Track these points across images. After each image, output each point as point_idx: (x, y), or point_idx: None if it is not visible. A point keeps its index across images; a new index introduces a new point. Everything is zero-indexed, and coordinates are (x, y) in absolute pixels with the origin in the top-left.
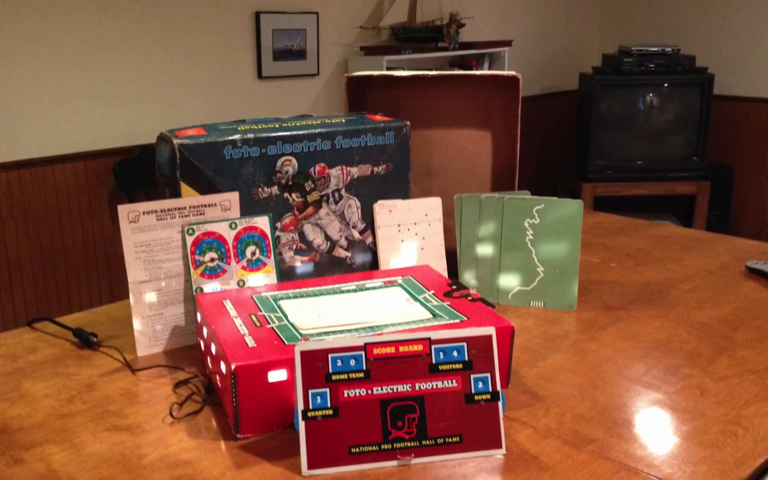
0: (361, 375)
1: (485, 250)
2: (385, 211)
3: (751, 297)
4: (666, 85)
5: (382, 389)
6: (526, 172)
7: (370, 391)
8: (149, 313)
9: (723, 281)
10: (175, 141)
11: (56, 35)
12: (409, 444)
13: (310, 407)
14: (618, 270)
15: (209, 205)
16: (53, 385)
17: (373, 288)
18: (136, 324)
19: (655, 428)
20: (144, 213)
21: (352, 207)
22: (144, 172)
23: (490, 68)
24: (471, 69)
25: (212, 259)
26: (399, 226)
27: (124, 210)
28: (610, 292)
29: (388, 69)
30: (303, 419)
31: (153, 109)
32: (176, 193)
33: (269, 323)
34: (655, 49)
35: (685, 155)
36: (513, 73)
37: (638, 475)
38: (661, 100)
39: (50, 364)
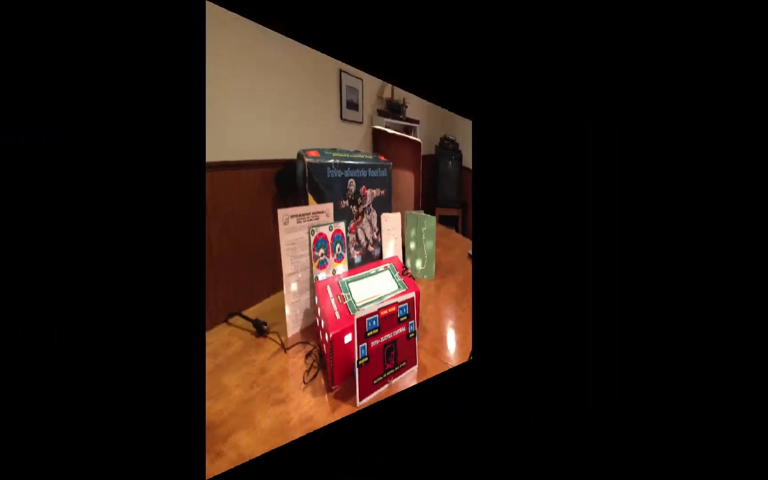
0: (377, 330)
1: (412, 245)
2: (385, 220)
3: (469, 270)
4: (453, 157)
5: (384, 338)
6: (424, 204)
7: (380, 340)
8: (293, 300)
9: (465, 261)
10: (306, 159)
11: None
12: (391, 371)
13: (360, 358)
14: (442, 255)
15: (321, 212)
16: (241, 374)
17: (379, 272)
18: (287, 310)
19: (449, 336)
20: (291, 216)
21: (374, 217)
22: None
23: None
24: (411, 130)
25: (322, 254)
26: (389, 230)
27: (282, 214)
28: (441, 268)
29: (386, 125)
30: (357, 367)
31: (289, 131)
32: (306, 202)
33: (344, 300)
34: (451, 137)
35: (456, 196)
36: (417, 139)
37: (446, 366)
38: (450, 165)
39: (239, 356)
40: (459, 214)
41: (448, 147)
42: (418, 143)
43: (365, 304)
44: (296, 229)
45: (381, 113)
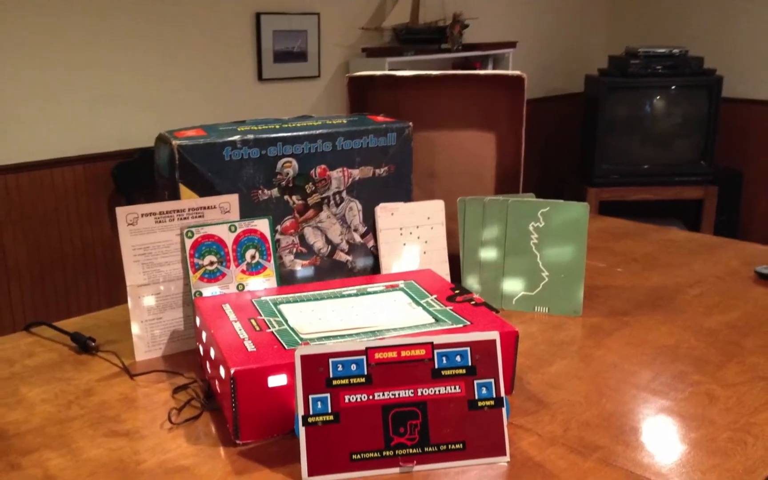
0: (363, 380)
1: (489, 254)
2: (387, 214)
3: (761, 302)
4: (673, 87)
5: (383, 394)
6: (530, 177)
7: (371, 397)
8: (148, 317)
9: (732, 286)
10: (175, 142)
11: (53, 36)
12: (411, 451)
13: (311, 412)
14: (624, 275)
15: (209, 208)
16: (50, 390)
17: (375, 292)
18: (135, 328)
19: (662, 436)
20: (142, 215)
21: (354, 210)
22: (144, 175)
23: (493, 70)
24: (474, 70)
25: (211, 263)
26: (401, 229)
27: (122, 212)
28: (615, 297)
29: (390, 70)
30: (303, 425)
31: (152, 112)
32: (175, 196)
33: (269, 327)
34: (663, 50)
35: (693, 159)
36: (518, 72)
37: None
38: (669, 102)
39: (48, 369)
40: (704, 195)
41: (646, 71)
42: (517, 79)
43: (328, 338)
44: (152, 230)
45: (375, 53)
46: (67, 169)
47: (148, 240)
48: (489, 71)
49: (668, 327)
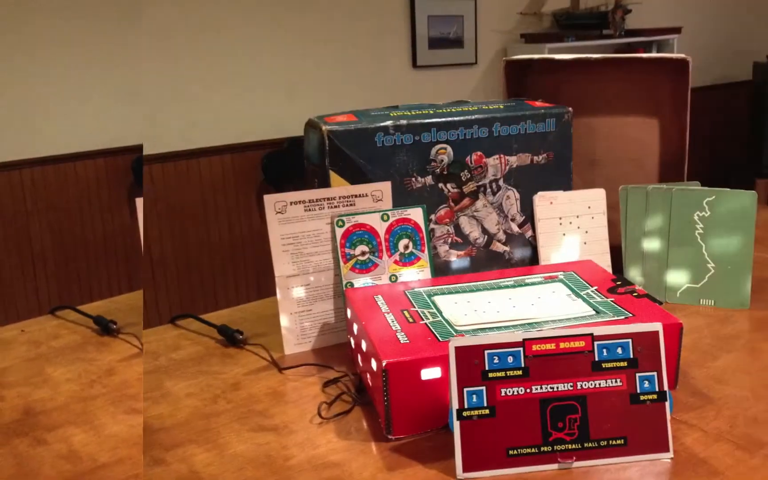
0: (520, 373)
1: (652, 244)
2: (546, 202)
3: None
4: None
5: (541, 388)
6: (696, 167)
7: (528, 390)
8: (297, 309)
9: None
10: (325, 127)
11: (204, 27)
12: (570, 446)
13: (466, 406)
14: None
15: (360, 196)
16: (197, 384)
17: (533, 284)
18: (284, 320)
19: None
20: (291, 203)
21: (511, 198)
22: (293, 165)
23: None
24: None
25: (363, 253)
26: (560, 219)
27: (270, 200)
28: None
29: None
30: (458, 419)
31: (305, 99)
32: (325, 183)
33: (422, 319)
34: None
35: None
36: (682, 55)
37: None
38: None
39: (194, 363)
40: None
41: None
42: (681, 62)
43: (483, 329)
44: (302, 218)
45: (533, 39)
46: (216, 159)
47: (298, 229)
48: (652, 55)
49: None
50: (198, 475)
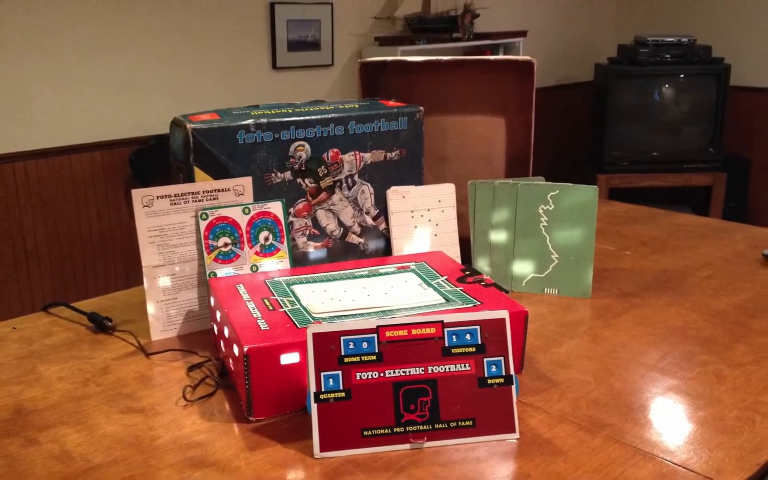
0: (374, 357)
1: (499, 236)
2: (399, 197)
3: None
4: (682, 76)
5: (394, 372)
6: (541, 164)
7: (382, 374)
8: (163, 297)
9: (739, 269)
10: (189, 125)
11: (71, 25)
12: (421, 427)
13: (323, 389)
14: (633, 258)
15: (223, 190)
16: (68, 368)
17: (387, 273)
18: (150, 308)
19: (670, 414)
20: (158, 197)
21: (366, 193)
22: (160, 161)
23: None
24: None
25: (225, 244)
26: (412, 212)
27: (137, 194)
28: (625, 279)
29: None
30: (315, 401)
31: (168, 99)
32: (190, 179)
33: (282, 307)
34: (671, 39)
35: (701, 146)
36: (527, 57)
37: (653, 459)
38: (677, 91)
39: (65, 348)
40: (712, 181)
41: (655, 59)
42: (527, 64)
43: (340, 317)
44: (168, 211)
45: (387, 42)
46: (85, 156)
47: (164, 222)
48: (499, 56)
49: (676, 309)
50: (69, 455)
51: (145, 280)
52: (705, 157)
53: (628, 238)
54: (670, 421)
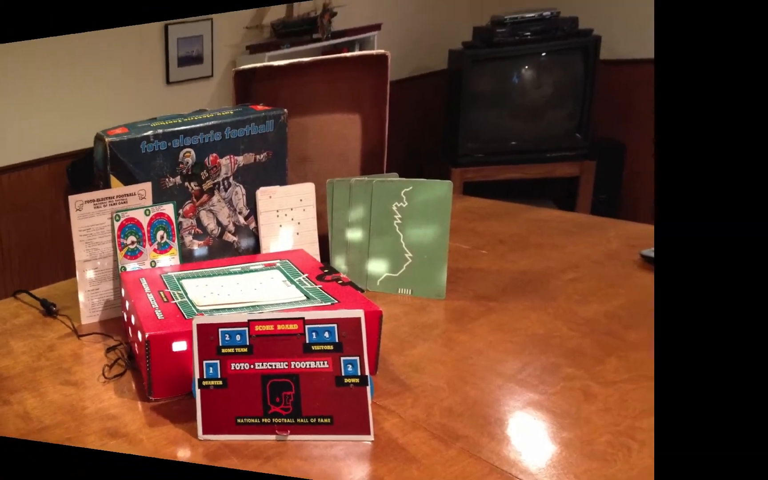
0: (245, 350)
1: (355, 234)
2: (266, 197)
3: (647, 290)
4: (544, 53)
5: (263, 365)
6: (397, 159)
7: (252, 366)
8: (89, 287)
9: (612, 271)
10: (107, 139)
11: (24, 61)
12: (285, 420)
13: (204, 377)
14: (489, 257)
15: (130, 195)
16: (28, 344)
17: (256, 270)
18: (81, 296)
19: (530, 431)
20: (86, 202)
21: (239, 194)
22: (90, 172)
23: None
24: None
25: (132, 242)
26: (278, 211)
27: (73, 199)
28: (481, 280)
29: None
30: (199, 387)
31: (90, 116)
32: (107, 185)
33: (174, 299)
34: (532, 14)
35: (567, 132)
36: (381, 51)
37: None
38: (539, 71)
39: (27, 327)
40: (579, 171)
41: (514, 39)
42: (381, 57)
43: (217, 310)
44: (92, 214)
45: (256, 49)
46: (44, 168)
47: (90, 222)
48: (354, 53)
49: (538, 314)
50: (29, 415)
51: (77, 272)
52: (571, 144)
53: (484, 236)
54: (530, 439)
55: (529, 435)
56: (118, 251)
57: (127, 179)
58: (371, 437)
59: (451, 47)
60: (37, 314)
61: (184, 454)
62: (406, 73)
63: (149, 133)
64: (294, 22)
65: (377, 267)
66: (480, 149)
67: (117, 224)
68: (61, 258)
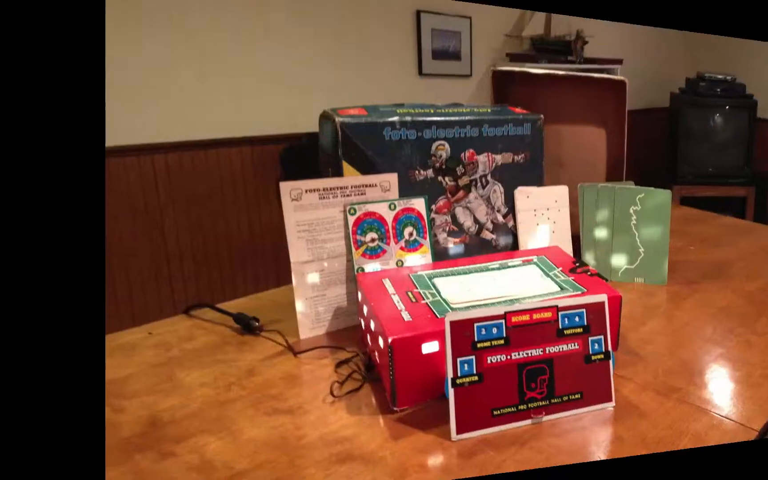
0: (502, 342)
1: (601, 233)
2: (524, 196)
3: None
4: (727, 107)
5: (519, 354)
6: (631, 173)
7: (509, 357)
8: (312, 294)
9: (765, 260)
10: (338, 119)
11: (222, 20)
12: (540, 403)
13: (459, 375)
14: (695, 252)
15: (370, 186)
16: (210, 373)
17: (514, 266)
18: (299, 306)
19: (718, 376)
20: (306, 191)
21: (497, 192)
22: (310, 160)
23: None
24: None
25: (373, 240)
26: (535, 210)
27: (286, 187)
28: (690, 269)
29: None
30: (452, 386)
31: (319, 97)
32: (338, 172)
33: (424, 299)
34: (720, 76)
35: (739, 165)
36: (621, 77)
37: (707, 414)
38: (724, 119)
39: (208, 352)
40: (746, 193)
41: (710, 92)
42: (621, 83)
43: (474, 306)
44: (317, 206)
45: (516, 59)
46: (234, 150)
47: (312, 216)
48: (598, 74)
49: (723, 292)
50: (210, 464)
51: (293, 276)
52: (741, 174)
53: (692, 236)
54: (717, 381)
55: (718, 378)
56: (354, 250)
57: (365, 167)
58: (613, 403)
59: (671, 90)
60: (225, 334)
61: (435, 460)
62: (640, 106)
63: (394, 118)
64: (551, 41)
65: (618, 260)
66: (690, 172)
67: (352, 219)
68: (264, 264)
